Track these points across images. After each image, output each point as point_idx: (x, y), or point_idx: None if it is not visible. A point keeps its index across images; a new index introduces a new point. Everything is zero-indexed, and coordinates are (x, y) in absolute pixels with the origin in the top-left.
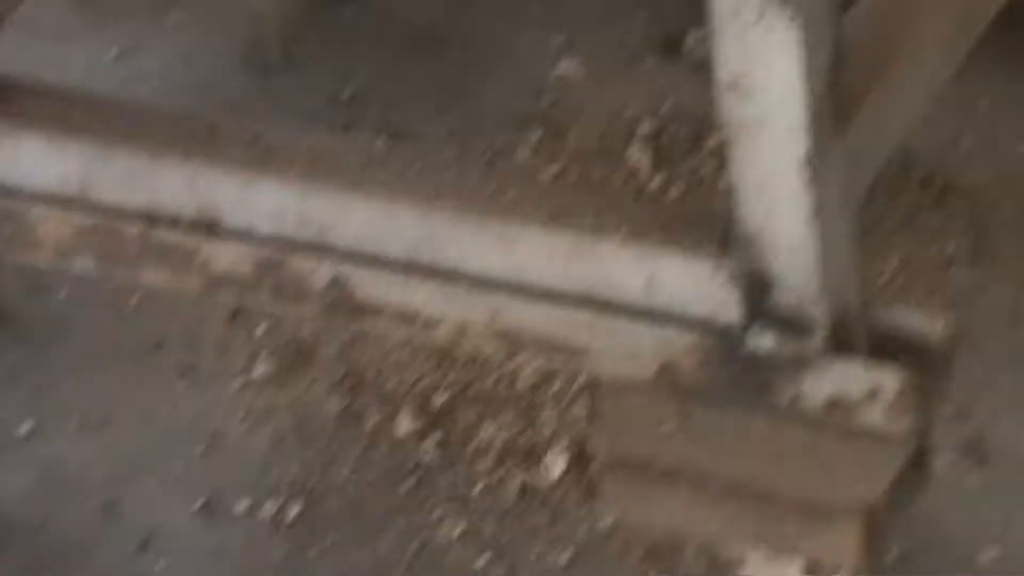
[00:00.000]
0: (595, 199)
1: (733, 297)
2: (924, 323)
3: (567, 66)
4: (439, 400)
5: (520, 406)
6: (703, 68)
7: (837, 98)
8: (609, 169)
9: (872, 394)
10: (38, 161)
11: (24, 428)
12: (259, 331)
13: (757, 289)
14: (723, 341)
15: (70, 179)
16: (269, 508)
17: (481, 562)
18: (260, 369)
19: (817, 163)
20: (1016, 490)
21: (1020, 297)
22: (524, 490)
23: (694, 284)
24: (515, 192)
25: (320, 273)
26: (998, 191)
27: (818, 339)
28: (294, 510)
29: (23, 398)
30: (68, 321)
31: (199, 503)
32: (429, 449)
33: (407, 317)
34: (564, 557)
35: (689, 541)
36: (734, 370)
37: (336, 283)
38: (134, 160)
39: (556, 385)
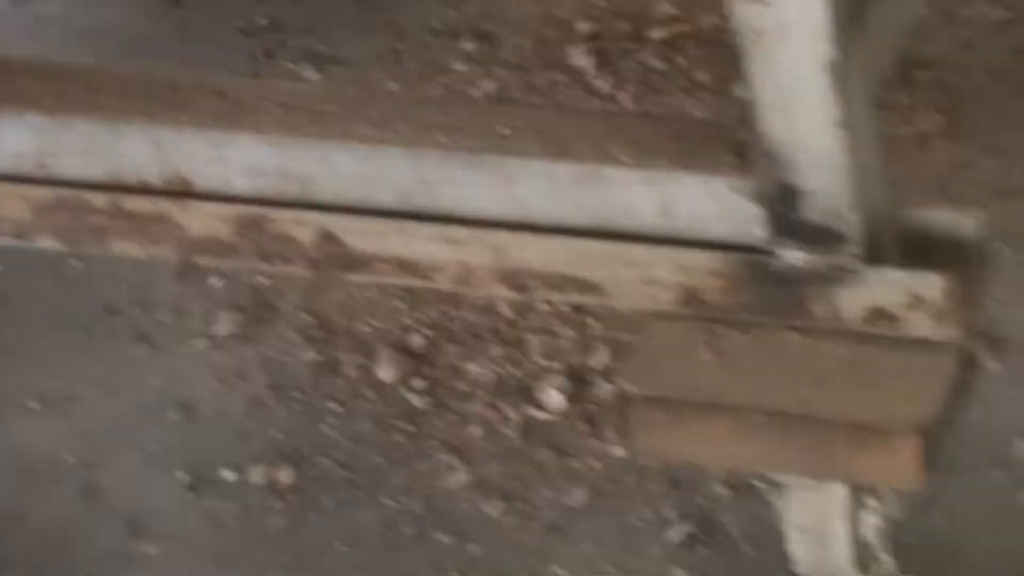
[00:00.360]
0: (589, 123)
1: (756, 214)
2: (955, 221)
3: None
4: (418, 341)
5: (504, 339)
6: None
7: None
8: (552, 75)
9: (915, 302)
10: None
11: None
12: (213, 285)
13: (782, 204)
14: (748, 261)
15: (25, 153)
16: (260, 475)
17: (494, 510)
18: (222, 326)
19: (841, 66)
20: None
21: (1006, 168)
22: (525, 428)
23: (713, 204)
24: (504, 124)
25: (307, 228)
26: (963, 61)
27: (852, 249)
28: (287, 474)
29: None
30: (7, 292)
31: (185, 477)
32: (417, 394)
33: (406, 265)
34: (580, 496)
35: (730, 472)
36: (763, 290)
37: (326, 237)
38: (93, 128)
39: (538, 312)
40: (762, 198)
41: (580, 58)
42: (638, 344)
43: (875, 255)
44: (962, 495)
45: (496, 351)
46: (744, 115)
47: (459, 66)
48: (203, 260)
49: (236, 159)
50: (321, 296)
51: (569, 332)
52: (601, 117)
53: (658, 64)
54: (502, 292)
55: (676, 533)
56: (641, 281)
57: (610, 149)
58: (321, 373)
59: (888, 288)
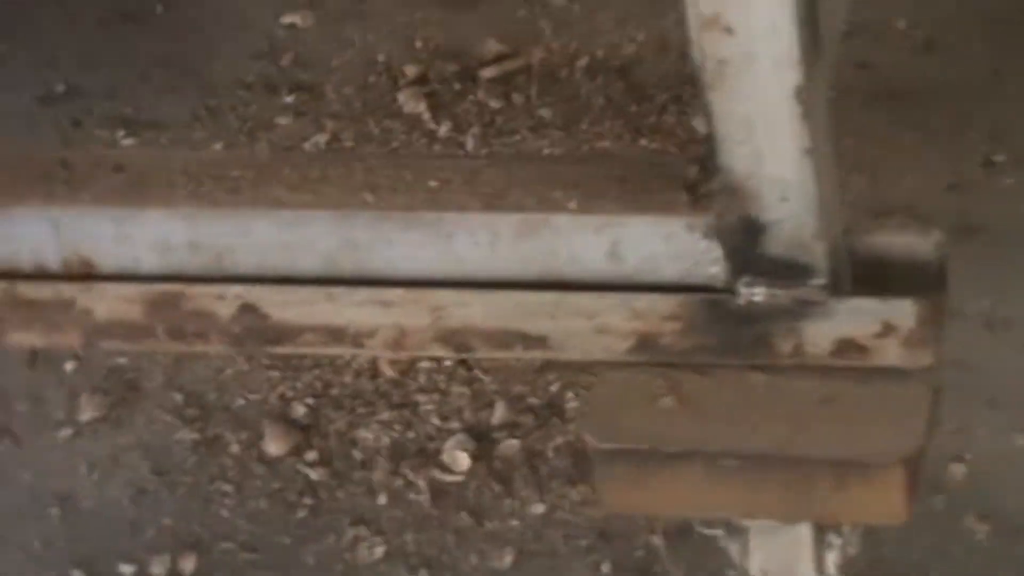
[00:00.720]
0: (524, 170)
1: (713, 252)
2: (913, 243)
3: (292, 17)
4: (300, 410)
5: (392, 401)
6: None
7: (814, 17)
8: (385, 123)
9: (885, 331)
10: None
11: None
12: (68, 369)
13: (742, 238)
14: (705, 301)
15: None
16: (159, 567)
17: None
18: (86, 412)
19: (808, 91)
20: (970, 399)
21: (874, 186)
22: (434, 492)
23: (665, 245)
24: (434, 177)
25: (226, 302)
26: None
27: (818, 281)
28: (189, 563)
29: None
30: None
31: (79, 575)
32: (311, 466)
33: (335, 333)
34: (506, 559)
35: (665, 521)
36: (723, 330)
37: (246, 310)
38: None
39: (424, 371)
40: (720, 235)
41: (412, 103)
42: (595, 395)
43: (836, 285)
44: (907, 523)
45: (386, 415)
46: (698, 149)
47: (284, 120)
48: (111, 345)
49: (144, 235)
50: (185, 371)
51: (461, 389)
52: (537, 163)
53: (495, 103)
54: (442, 353)
55: None
56: (592, 330)
57: (551, 195)
58: (203, 452)
59: (856, 318)
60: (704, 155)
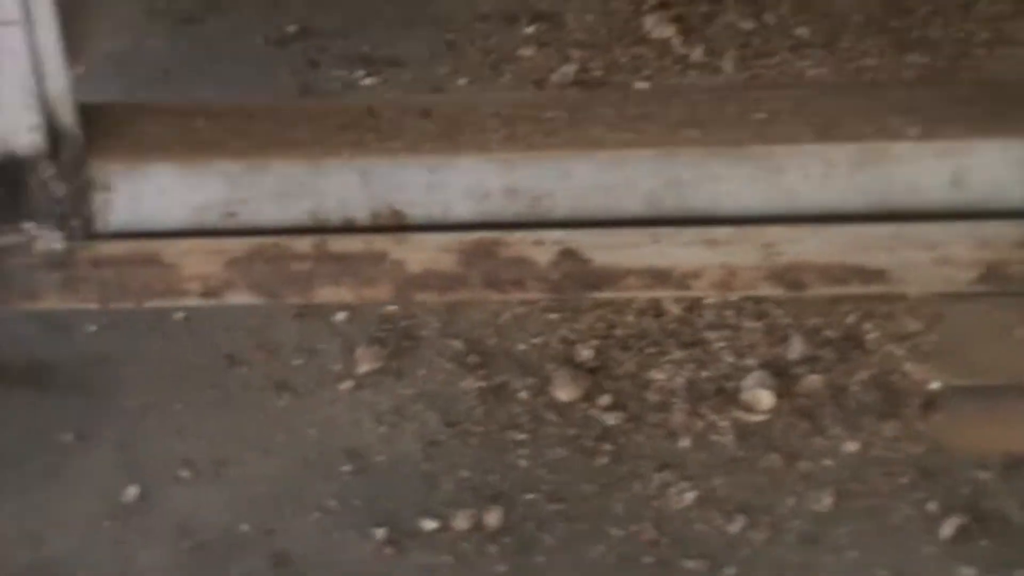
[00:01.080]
0: (857, 96)
1: None
2: None
3: None
4: (586, 353)
5: (682, 340)
6: None
7: None
8: (634, 50)
9: None
10: (171, 191)
11: (131, 492)
12: (339, 320)
13: None
14: None
15: (210, 204)
16: (464, 521)
17: (735, 527)
18: (365, 363)
19: None
20: None
21: None
22: (739, 433)
23: (1015, 169)
24: (760, 108)
25: (545, 248)
26: None
27: None
28: (494, 517)
29: (111, 460)
30: (113, 358)
31: (381, 532)
32: (605, 411)
33: (659, 275)
34: (826, 500)
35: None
36: None
37: (566, 255)
38: (291, 167)
39: (710, 307)
40: None
41: (659, 28)
42: (942, 330)
43: None
44: None
45: (677, 354)
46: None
47: (527, 51)
48: (424, 297)
49: (458, 183)
50: (461, 318)
51: (752, 324)
52: (871, 88)
53: (747, 24)
54: (772, 292)
55: (947, 527)
56: (934, 262)
57: (888, 122)
58: (491, 401)
59: None
60: None
